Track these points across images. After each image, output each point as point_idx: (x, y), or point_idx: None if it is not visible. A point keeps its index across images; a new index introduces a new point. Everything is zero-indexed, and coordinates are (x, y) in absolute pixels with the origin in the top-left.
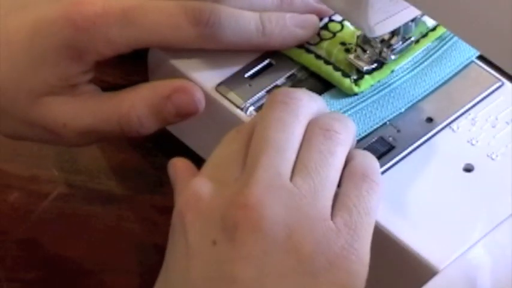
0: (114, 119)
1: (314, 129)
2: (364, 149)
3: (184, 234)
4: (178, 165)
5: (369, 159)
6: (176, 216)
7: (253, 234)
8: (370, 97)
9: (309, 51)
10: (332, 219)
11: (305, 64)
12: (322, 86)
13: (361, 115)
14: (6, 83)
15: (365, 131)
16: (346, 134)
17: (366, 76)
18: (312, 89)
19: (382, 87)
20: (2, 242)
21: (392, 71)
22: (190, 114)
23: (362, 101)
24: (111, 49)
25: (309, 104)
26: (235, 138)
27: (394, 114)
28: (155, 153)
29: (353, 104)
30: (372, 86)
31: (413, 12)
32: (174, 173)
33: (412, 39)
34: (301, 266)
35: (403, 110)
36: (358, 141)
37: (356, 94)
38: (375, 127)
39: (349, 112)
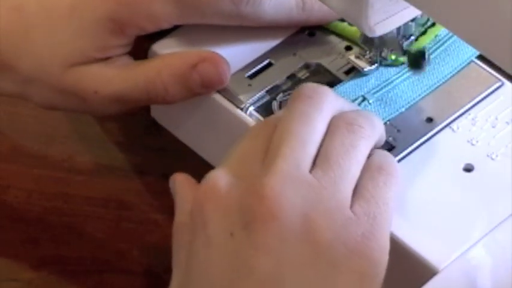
0: (142, 85)
1: (338, 123)
2: None
3: (203, 226)
4: (179, 179)
5: (385, 155)
6: (195, 209)
7: (270, 224)
8: (373, 95)
9: (351, 24)
10: (351, 208)
11: (349, 37)
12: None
13: None
14: (43, 49)
15: None
16: (370, 129)
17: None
18: None
19: (383, 86)
20: (3, 242)
21: (436, 36)
22: (214, 85)
23: (362, 102)
24: (152, 24)
25: (334, 99)
26: (260, 132)
27: (394, 115)
28: (158, 153)
29: (357, 103)
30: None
31: (413, 12)
32: (174, 186)
33: (412, 37)
34: (320, 256)
35: (403, 109)
36: None
37: (403, 63)
38: None
39: None
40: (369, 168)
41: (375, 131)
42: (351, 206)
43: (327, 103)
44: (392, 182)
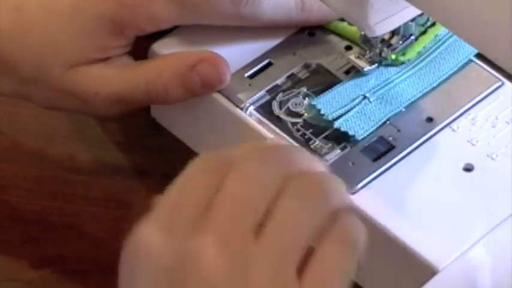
0: (142, 86)
1: (291, 185)
2: (365, 148)
3: (132, 284)
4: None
5: (349, 223)
6: (125, 264)
7: None
8: (373, 94)
9: (352, 23)
10: (301, 274)
11: (349, 37)
12: (323, 85)
13: (362, 114)
14: (43, 50)
15: (366, 130)
16: (325, 193)
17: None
18: (312, 88)
19: (383, 85)
20: (3, 242)
21: (436, 36)
22: (214, 86)
23: (362, 100)
24: (152, 25)
25: (295, 158)
26: (201, 176)
27: (395, 112)
28: (158, 153)
29: (355, 103)
30: (418, 53)
31: (413, 11)
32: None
33: (412, 37)
34: None
35: (402, 109)
36: (359, 141)
37: (403, 63)
38: (376, 126)
39: (352, 111)
40: (327, 234)
41: (332, 196)
42: (302, 272)
43: (283, 162)
44: (350, 252)
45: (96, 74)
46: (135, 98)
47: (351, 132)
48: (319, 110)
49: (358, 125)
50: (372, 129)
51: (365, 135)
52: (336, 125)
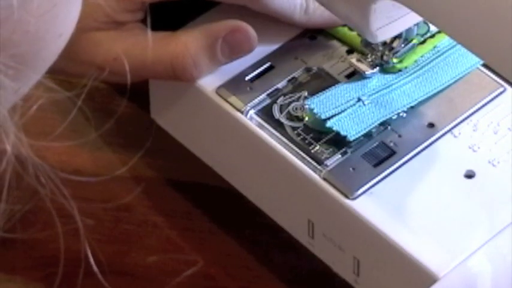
0: (167, 60)
1: None
2: (365, 153)
3: None
4: None
5: None
6: None
7: None
8: (368, 97)
9: (353, 29)
10: None
11: (350, 43)
12: (324, 89)
13: (355, 116)
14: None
15: (358, 132)
16: None
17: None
18: (313, 92)
19: (379, 89)
20: (2, 242)
21: (434, 47)
22: (243, 52)
23: (356, 102)
24: None
25: None
26: None
27: (388, 117)
28: (158, 155)
29: (349, 104)
30: (415, 61)
31: (415, 17)
32: None
33: (414, 41)
34: None
35: (395, 115)
36: (360, 146)
37: (400, 70)
38: (368, 129)
39: (345, 112)
40: None
41: None
42: None
43: None
44: None
45: (115, 41)
46: (157, 70)
47: (342, 132)
48: (312, 109)
49: (351, 126)
50: (364, 131)
51: (357, 136)
52: (328, 124)
